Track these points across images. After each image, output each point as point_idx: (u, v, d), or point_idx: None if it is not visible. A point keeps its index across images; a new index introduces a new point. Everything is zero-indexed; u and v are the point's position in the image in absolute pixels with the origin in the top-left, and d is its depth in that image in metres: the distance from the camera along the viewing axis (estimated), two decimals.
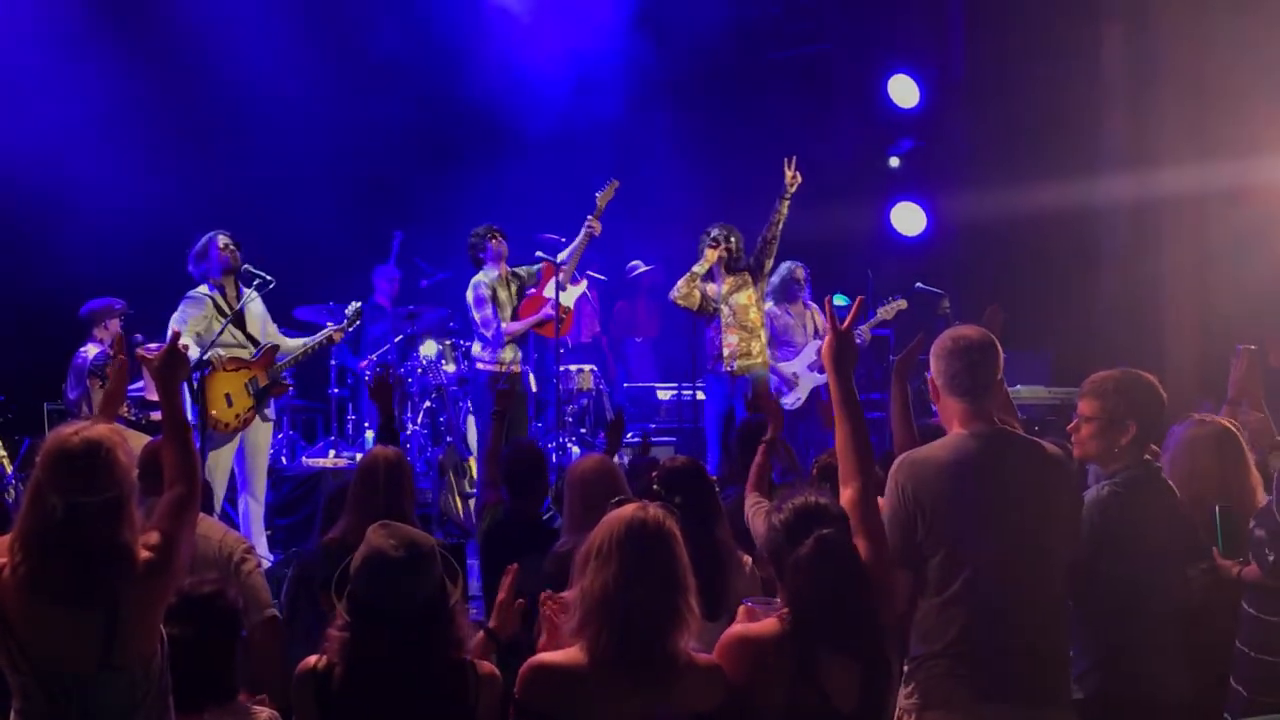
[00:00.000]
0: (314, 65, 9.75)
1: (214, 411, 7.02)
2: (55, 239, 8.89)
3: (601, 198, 8.44)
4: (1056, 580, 3.38)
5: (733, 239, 8.43)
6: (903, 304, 9.07)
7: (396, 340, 9.62)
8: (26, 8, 9.26)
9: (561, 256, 8.45)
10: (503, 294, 8.40)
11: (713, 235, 8.39)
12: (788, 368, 8.85)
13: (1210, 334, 9.52)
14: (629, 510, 3.05)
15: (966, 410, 3.41)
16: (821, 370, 8.81)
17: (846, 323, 3.37)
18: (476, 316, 8.37)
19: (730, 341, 8.34)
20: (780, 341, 8.89)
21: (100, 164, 9.00)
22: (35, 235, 8.90)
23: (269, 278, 7.28)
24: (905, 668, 3.33)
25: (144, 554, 3.08)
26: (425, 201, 10.71)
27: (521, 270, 8.58)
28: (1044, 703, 3.30)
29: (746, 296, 8.44)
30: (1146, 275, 10.03)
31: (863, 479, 3.24)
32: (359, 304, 7.94)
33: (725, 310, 8.35)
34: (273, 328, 7.57)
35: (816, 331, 8.94)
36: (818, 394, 8.71)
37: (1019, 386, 8.63)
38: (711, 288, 8.44)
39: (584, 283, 9.12)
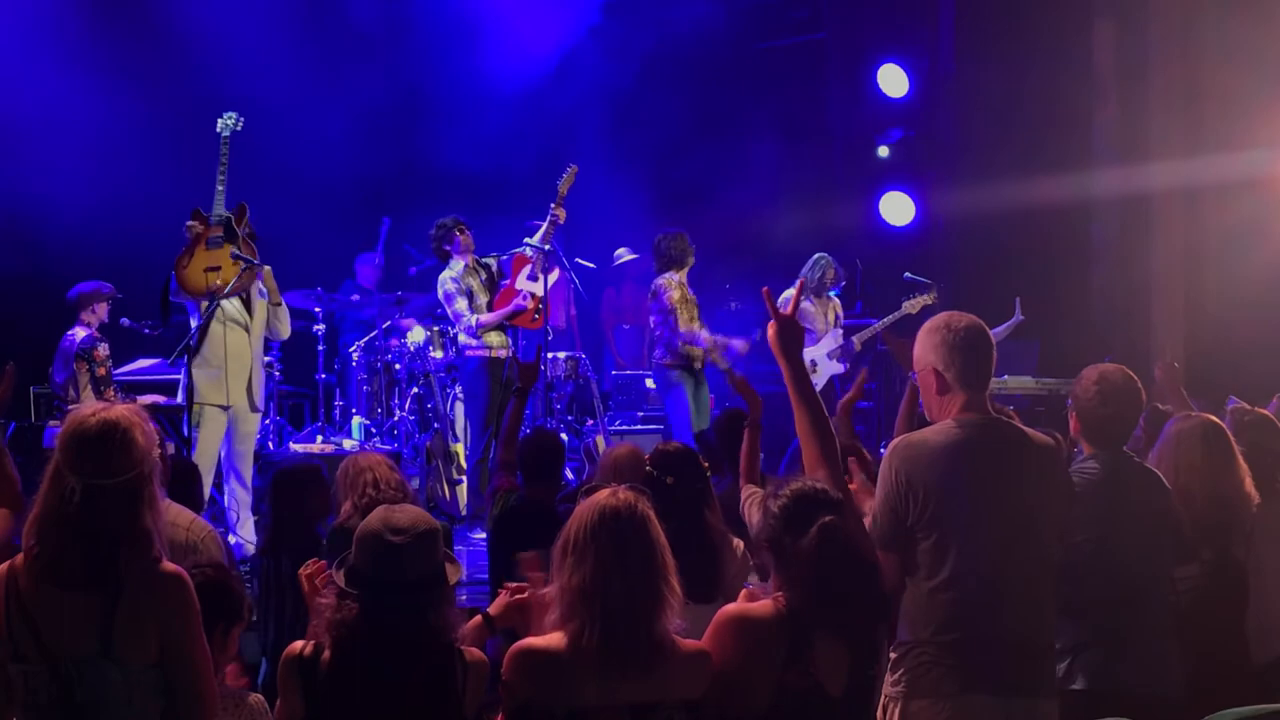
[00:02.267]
0: (301, 48, 9.69)
1: (207, 284, 7.01)
2: (39, 225, 8.85)
3: (562, 184, 8.47)
4: (1046, 570, 3.37)
5: None
6: (929, 298, 9.06)
7: (384, 326, 9.60)
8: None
9: (531, 241, 8.45)
10: (474, 283, 8.39)
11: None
12: (806, 354, 8.96)
13: (1199, 327, 9.55)
14: (600, 497, 3.02)
15: (968, 400, 3.40)
16: (839, 359, 8.98)
17: (791, 309, 3.38)
18: (449, 312, 8.38)
19: (706, 336, 8.46)
20: None
21: (84, 149, 8.95)
22: (18, 221, 8.85)
23: (255, 262, 7.25)
24: (892, 654, 3.33)
25: (168, 566, 3.08)
26: (413, 188, 10.66)
27: (489, 260, 8.56)
28: (1030, 693, 3.29)
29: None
30: (1135, 268, 10.05)
31: (830, 464, 3.25)
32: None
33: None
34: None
35: (837, 320, 9.21)
36: (832, 383, 8.98)
37: (1006, 377, 8.64)
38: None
39: (556, 272, 9.12)
